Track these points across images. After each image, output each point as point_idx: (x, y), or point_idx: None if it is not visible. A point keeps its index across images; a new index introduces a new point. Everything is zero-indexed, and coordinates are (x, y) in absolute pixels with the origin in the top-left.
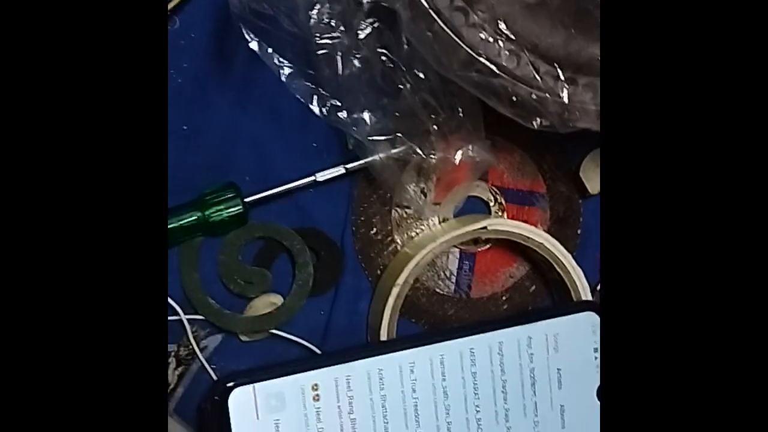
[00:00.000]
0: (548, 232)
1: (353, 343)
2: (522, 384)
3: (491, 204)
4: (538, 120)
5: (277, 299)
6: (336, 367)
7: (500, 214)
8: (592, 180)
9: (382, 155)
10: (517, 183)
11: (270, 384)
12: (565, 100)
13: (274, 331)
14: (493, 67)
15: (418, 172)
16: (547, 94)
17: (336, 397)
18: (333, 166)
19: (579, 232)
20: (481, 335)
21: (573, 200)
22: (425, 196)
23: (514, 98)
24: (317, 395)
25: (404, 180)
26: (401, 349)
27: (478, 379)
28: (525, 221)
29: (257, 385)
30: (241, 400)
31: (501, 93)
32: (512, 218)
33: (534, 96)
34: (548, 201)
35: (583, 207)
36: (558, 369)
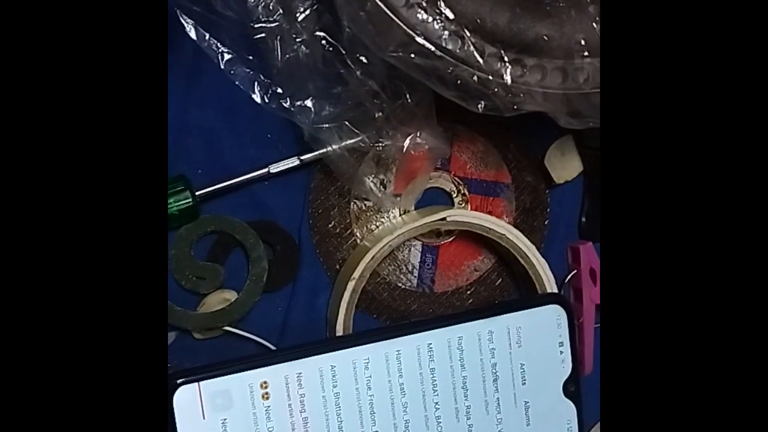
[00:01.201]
0: (514, 223)
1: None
2: (483, 380)
3: (454, 195)
4: (482, 103)
5: (231, 295)
6: (286, 363)
7: (464, 205)
8: (557, 169)
9: (335, 146)
10: (481, 173)
11: (216, 382)
12: (508, 81)
13: (228, 329)
14: (432, 48)
15: (377, 163)
16: (490, 76)
17: (287, 395)
18: (288, 158)
19: (546, 222)
20: (440, 330)
21: (539, 190)
22: (385, 187)
23: (458, 81)
24: (266, 393)
25: (362, 171)
26: (355, 345)
27: (436, 375)
28: (489, 212)
29: (202, 383)
30: (185, 399)
31: (442, 75)
32: (476, 209)
33: (476, 78)
34: (514, 191)
35: (549, 197)
36: (521, 364)
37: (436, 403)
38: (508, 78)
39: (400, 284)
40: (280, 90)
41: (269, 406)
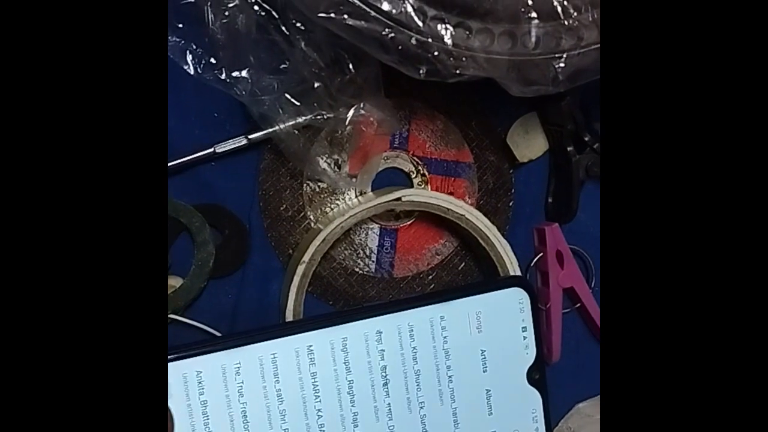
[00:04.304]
0: (477, 204)
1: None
2: (437, 368)
3: (413, 176)
4: (424, 68)
5: (177, 281)
6: (224, 352)
7: (423, 186)
8: (520, 147)
9: (283, 125)
10: (441, 152)
11: None
12: (449, 44)
13: (174, 317)
14: (366, 8)
15: (330, 143)
16: (430, 38)
17: (224, 386)
18: (235, 137)
19: (511, 203)
20: (390, 315)
21: (503, 170)
22: (339, 168)
23: (399, 47)
24: (202, 384)
25: (315, 151)
26: (298, 332)
27: (387, 364)
28: (451, 193)
29: None
30: None
31: (379, 38)
32: (437, 190)
33: (414, 41)
34: (476, 171)
35: (514, 177)
36: (482, 350)
37: (387, 393)
38: (449, 41)
39: (357, 269)
40: (213, 60)
41: (206, 399)
